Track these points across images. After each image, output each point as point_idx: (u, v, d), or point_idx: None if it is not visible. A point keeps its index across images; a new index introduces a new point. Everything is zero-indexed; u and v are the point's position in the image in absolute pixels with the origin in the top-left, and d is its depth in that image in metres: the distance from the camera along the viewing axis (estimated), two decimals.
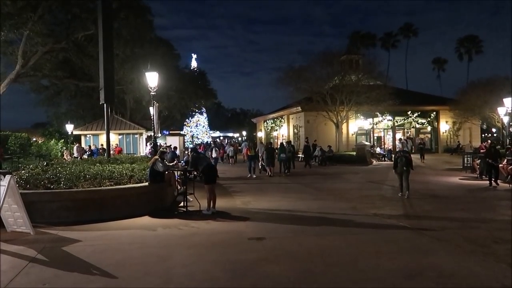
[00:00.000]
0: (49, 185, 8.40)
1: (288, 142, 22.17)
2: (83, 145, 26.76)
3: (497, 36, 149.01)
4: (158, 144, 20.92)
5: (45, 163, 11.63)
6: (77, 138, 29.60)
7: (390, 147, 31.76)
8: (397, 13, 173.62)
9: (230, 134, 70.48)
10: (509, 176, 13.35)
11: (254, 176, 17.00)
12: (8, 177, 6.66)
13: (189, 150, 15.23)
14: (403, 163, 11.29)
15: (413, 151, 24.04)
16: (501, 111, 22.31)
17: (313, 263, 5.35)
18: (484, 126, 38.61)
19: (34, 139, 34.43)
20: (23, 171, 9.68)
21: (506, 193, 11.73)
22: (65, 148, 29.03)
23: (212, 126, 66.25)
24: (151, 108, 15.99)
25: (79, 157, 20.96)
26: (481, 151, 16.88)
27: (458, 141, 32.58)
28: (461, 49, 66.18)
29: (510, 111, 20.65)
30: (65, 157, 23.70)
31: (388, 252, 5.81)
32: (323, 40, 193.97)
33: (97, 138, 27.86)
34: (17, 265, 5.32)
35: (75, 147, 25.19)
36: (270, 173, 17.26)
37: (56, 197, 8.10)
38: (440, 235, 6.74)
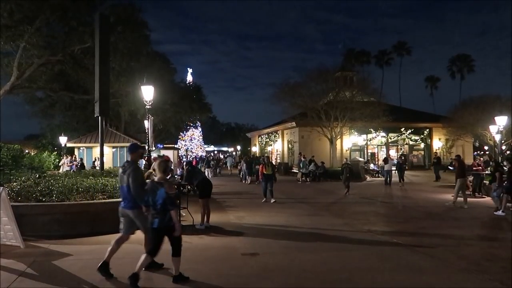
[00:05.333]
0: (41, 198, 8.30)
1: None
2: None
3: (486, 56, 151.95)
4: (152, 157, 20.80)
5: (37, 176, 11.51)
6: (71, 151, 29.39)
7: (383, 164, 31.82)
8: (387, 31, 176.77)
9: (225, 149, 70.38)
10: None
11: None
12: None
13: (184, 164, 15.29)
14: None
15: (406, 168, 23.98)
16: (493, 129, 22.57)
17: (306, 279, 5.33)
18: (477, 144, 38.90)
19: (27, 151, 34.11)
20: (14, 183, 9.56)
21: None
22: (58, 160, 28.76)
23: (207, 140, 66.19)
24: (146, 122, 15.98)
25: (71, 170, 20.79)
26: (474, 168, 16.96)
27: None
28: (453, 67, 67.20)
29: (502, 129, 20.90)
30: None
31: (382, 269, 5.80)
32: (316, 57, 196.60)
33: (90, 151, 27.68)
34: (6, 279, 5.23)
35: (67, 160, 24.96)
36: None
37: (48, 210, 8.00)
38: (433, 252, 6.75)
